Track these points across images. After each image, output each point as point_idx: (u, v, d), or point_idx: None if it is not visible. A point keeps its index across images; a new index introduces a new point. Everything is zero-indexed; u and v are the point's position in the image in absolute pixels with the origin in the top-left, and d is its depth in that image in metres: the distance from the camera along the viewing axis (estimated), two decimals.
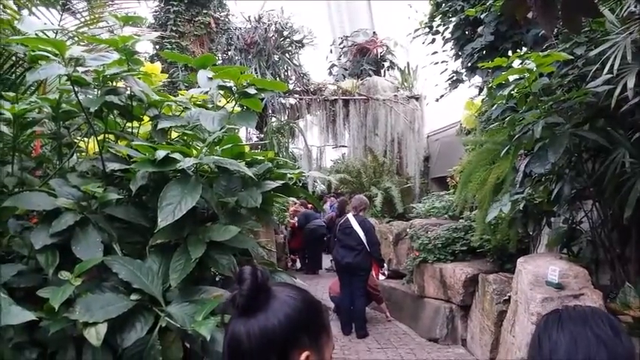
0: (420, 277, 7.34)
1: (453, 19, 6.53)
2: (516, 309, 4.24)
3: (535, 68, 3.56)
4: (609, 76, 3.32)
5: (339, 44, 16.58)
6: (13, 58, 3.50)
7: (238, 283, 1.06)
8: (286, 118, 12.80)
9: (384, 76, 14.78)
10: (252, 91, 2.17)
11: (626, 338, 1.20)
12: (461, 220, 7.28)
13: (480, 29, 5.86)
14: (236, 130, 2.54)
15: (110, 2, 4.26)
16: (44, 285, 1.74)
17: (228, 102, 2.43)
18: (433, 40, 6.92)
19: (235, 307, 1.06)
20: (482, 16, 5.89)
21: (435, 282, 6.92)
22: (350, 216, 7.41)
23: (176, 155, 2.00)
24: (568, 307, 1.30)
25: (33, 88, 3.27)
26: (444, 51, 6.82)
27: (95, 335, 1.59)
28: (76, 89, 2.01)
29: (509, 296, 4.80)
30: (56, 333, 1.66)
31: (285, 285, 1.18)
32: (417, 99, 12.92)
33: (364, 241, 7.11)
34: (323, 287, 8.40)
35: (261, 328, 1.03)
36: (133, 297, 1.77)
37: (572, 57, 3.73)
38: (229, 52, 11.79)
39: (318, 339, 1.10)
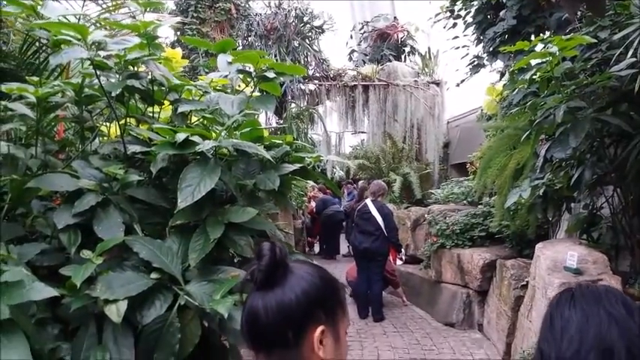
0: (438, 263, 7.34)
1: (475, 2, 6.44)
2: (534, 294, 4.23)
3: (558, 52, 3.51)
4: (633, 59, 3.27)
5: (360, 29, 16.45)
6: (37, 44, 3.57)
7: (257, 258, 1.09)
8: (306, 104, 12.79)
9: (405, 61, 14.66)
10: (271, 75, 2.18)
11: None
12: (480, 206, 7.26)
13: (502, 13, 5.77)
14: (256, 116, 2.57)
15: None
16: (66, 264, 1.79)
17: (247, 86, 2.45)
18: (454, 25, 6.84)
19: (254, 282, 1.09)
20: (504, 0, 5.81)
21: (453, 267, 6.92)
22: (368, 201, 7.41)
23: (195, 138, 2.03)
24: (581, 285, 1.30)
25: (56, 73, 3.33)
26: (465, 35, 6.74)
27: (116, 312, 1.64)
28: (98, 73, 2.05)
29: (527, 282, 4.79)
30: (78, 310, 1.71)
31: (303, 262, 1.21)
32: (437, 84, 12.81)
33: (382, 226, 7.12)
34: (340, 272, 8.45)
35: (278, 302, 1.06)
36: (153, 276, 1.81)
37: (595, 40, 3.66)
38: (249, 39, 11.80)
39: (333, 314, 1.12)
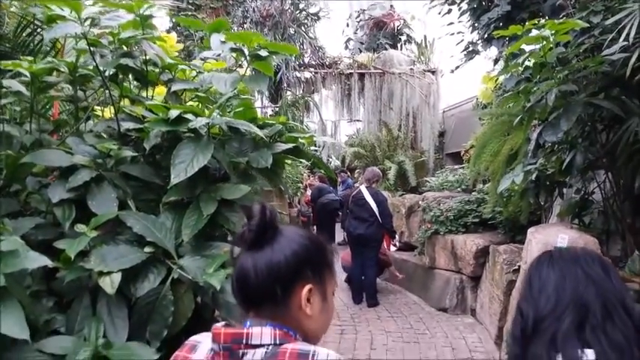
0: (431, 249, 7.40)
1: None
2: None
3: (551, 36, 3.53)
4: (625, 43, 3.29)
5: (356, 18, 16.41)
6: (31, 26, 3.57)
7: (247, 219, 1.11)
8: (301, 91, 12.79)
9: (401, 50, 14.65)
10: (264, 53, 2.20)
11: (617, 278, 1.23)
12: (473, 193, 7.30)
13: None
14: (251, 102, 2.59)
15: None
16: (61, 239, 1.82)
17: (240, 66, 2.47)
18: (449, 11, 6.83)
19: (244, 242, 1.11)
20: None
21: (446, 253, 6.98)
22: (363, 188, 7.43)
23: (189, 116, 2.05)
24: (560, 247, 1.33)
25: (51, 55, 3.33)
26: (460, 22, 6.74)
27: (110, 284, 1.67)
28: (92, 49, 2.06)
29: (519, 266, 4.84)
30: (72, 282, 1.74)
31: (293, 227, 1.23)
32: (433, 72, 12.82)
33: (376, 212, 7.14)
34: (335, 260, 8.49)
35: (267, 262, 1.09)
36: (147, 250, 1.83)
37: (588, 25, 3.68)
38: (245, 25, 11.76)
39: (321, 274, 1.16)
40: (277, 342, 1.05)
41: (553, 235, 4.05)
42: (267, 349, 1.04)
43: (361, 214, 7.21)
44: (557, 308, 1.20)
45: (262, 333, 1.06)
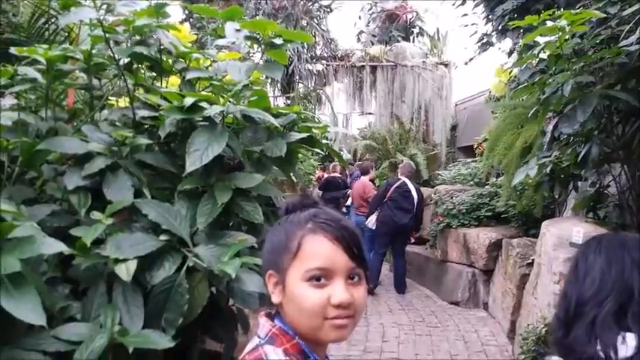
0: (444, 242, 7.38)
1: None
2: (539, 271, 4.25)
3: (567, 27, 3.47)
4: None
5: (368, 10, 16.32)
6: (46, 15, 3.58)
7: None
8: (313, 84, 12.75)
9: (413, 42, 14.56)
10: (278, 41, 2.19)
11: None
12: (486, 187, 7.26)
13: None
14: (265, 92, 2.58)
15: None
16: (76, 226, 1.82)
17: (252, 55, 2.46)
18: (463, 2, 6.78)
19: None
20: None
21: (459, 247, 6.95)
22: (406, 180, 7.72)
23: (203, 103, 2.04)
24: (609, 233, 1.34)
25: (66, 44, 3.34)
26: (474, 13, 6.68)
27: (125, 271, 1.67)
28: (107, 37, 2.06)
29: (533, 259, 4.80)
30: (88, 270, 1.75)
31: None
32: (445, 65, 12.72)
33: (416, 203, 7.59)
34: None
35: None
36: (162, 237, 1.83)
37: (605, 15, 3.62)
38: (257, 17, 11.74)
39: (278, 259, 1.09)
40: (263, 340, 1.04)
41: (567, 229, 4.02)
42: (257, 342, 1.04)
43: (405, 204, 7.53)
44: (601, 293, 1.21)
45: (262, 325, 1.06)
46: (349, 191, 11.07)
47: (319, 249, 1.03)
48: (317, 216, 1.07)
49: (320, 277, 1.01)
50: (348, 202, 11.05)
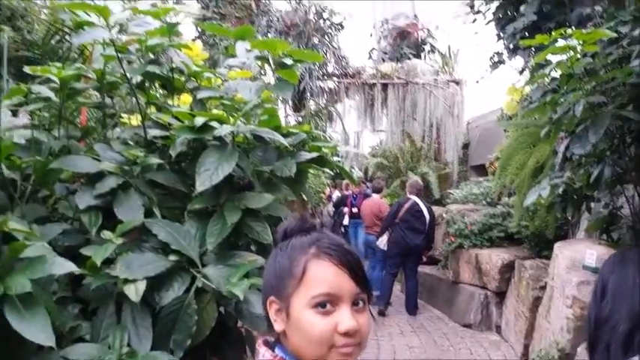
0: (455, 263, 7.31)
1: None
2: (552, 294, 4.19)
3: (578, 46, 3.46)
4: None
5: (380, 27, 16.40)
6: (60, 33, 3.63)
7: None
8: (324, 101, 12.80)
9: (425, 60, 14.59)
10: (289, 61, 2.19)
11: None
12: (499, 206, 7.20)
13: (522, 8, 5.71)
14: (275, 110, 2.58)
15: None
16: (87, 245, 1.82)
17: (264, 74, 2.47)
18: (474, 21, 6.79)
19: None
20: None
21: (471, 267, 6.88)
22: (417, 199, 7.62)
23: (214, 123, 2.05)
24: (625, 250, 1.34)
25: (79, 62, 3.38)
26: (485, 31, 6.70)
27: (135, 291, 1.66)
28: (120, 56, 2.08)
29: (546, 282, 4.74)
30: (97, 290, 1.74)
31: None
32: (457, 83, 12.73)
33: (427, 224, 7.47)
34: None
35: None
36: (172, 258, 1.82)
37: (616, 35, 3.61)
38: (269, 35, 11.85)
39: (281, 285, 1.07)
40: None
41: (580, 251, 3.97)
42: None
43: (417, 225, 7.45)
44: (614, 315, 1.19)
45: (262, 355, 1.04)
46: (345, 209, 11.07)
47: (325, 274, 1.01)
48: (320, 240, 1.05)
49: (326, 304, 0.99)
50: (346, 222, 11.06)
